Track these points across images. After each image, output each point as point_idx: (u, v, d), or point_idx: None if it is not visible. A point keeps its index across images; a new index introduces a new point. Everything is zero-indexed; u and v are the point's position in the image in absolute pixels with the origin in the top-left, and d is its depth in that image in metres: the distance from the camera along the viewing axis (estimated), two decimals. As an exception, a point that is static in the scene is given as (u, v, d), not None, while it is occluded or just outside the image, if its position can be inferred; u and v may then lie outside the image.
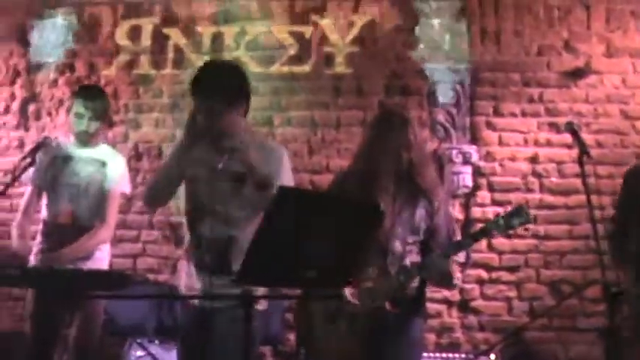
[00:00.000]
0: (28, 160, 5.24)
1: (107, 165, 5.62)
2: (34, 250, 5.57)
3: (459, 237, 4.65)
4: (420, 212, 4.52)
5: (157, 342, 6.47)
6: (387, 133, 4.52)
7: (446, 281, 4.55)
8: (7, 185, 5.24)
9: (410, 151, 4.49)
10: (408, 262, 4.45)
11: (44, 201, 5.66)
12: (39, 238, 5.60)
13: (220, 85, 4.30)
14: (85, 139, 5.61)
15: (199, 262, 4.40)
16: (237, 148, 4.30)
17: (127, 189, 5.82)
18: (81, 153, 5.61)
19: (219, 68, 4.49)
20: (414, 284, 4.50)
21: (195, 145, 4.34)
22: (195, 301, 4.44)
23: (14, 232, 5.66)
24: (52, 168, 5.58)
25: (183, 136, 4.36)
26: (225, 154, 4.36)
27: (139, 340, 6.41)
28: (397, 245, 4.45)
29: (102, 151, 5.72)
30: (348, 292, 4.39)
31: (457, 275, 4.51)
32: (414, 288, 4.51)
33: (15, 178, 5.40)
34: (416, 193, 4.52)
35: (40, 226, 5.65)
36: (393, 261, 4.44)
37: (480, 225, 6.31)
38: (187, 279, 4.47)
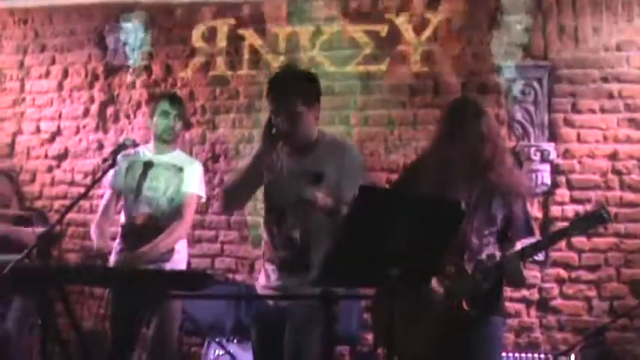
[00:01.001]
0: (109, 162, 5.31)
1: (184, 170, 5.70)
2: (114, 251, 5.65)
3: (536, 235, 4.57)
4: (497, 202, 4.40)
5: (235, 341, 6.52)
6: (462, 123, 4.41)
7: (516, 281, 4.49)
8: (89, 187, 5.32)
9: (486, 142, 4.39)
10: (484, 255, 4.38)
11: (122, 204, 5.74)
12: (118, 240, 5.69)
13: (300, 89, 4.36)
14: (169, 139, 5.71)
15: (278, 261, 4.42)
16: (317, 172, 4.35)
17: (203, 193, 5.88)
18: (159, 158, 5.71)
19: (296, 72, 4.55)
20: (491, 282, 4.45)
21: (273, 150, 4.39)
22: (269, 302, 4.46)
23: (94, 232, 5.75)
24: (131, 172, 5.67)
25: (262, 142, 4.40)
26: (301, 155, 4.40)
27: (217, 340, 6.47)
28: (474, 239, 4.39)
29: (179, 156, 5.83)
30: (434, 283, 4.35)
31: (530, 274, 4.46)
32: (492, 285, 4.46)
33: (96, 180, 5.49)
34: (492, 183, 4.43)
35: (119, 229, 5.73)
36: (470, 257, 4.38)
37: (558, 225, 6.30)
38: (265, 278, 4.49)
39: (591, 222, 4.30)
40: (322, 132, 4.53)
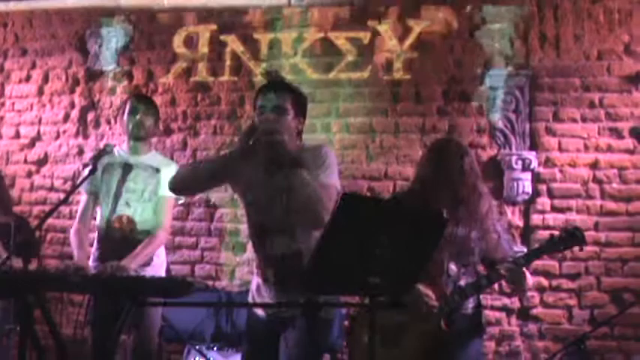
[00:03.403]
0: (90, 167, 5.27)
1: (161, 171, 5.66)
2: (92, 257, 5.61)
3: (515, 248, 4.66)
4: (476, 235, 4.52)
5: (215, 348, 6.49)
6: (445, 163, 4.56)
7: (520, 286, 4.58)
8: (69, 193, 5.29)
9: (466, 181, 4.52)
10: (463, 283, 4.46)
11: (99, 207, 5.70)
12: (96, 244, 5.65)
13: (292, 92, 4.36)
14: (139, 134, 5.66)
15: (269, 280, 4.36)
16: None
17: None
18: (135, 160, 5.67)
19: (290, 83, 4.55)
20: (471, 303, 4.51)
21: (250, 154, 4.28)
22: (262, 314, 4.41)
23: (73, 240, 5.70)
24: (107, 175, 5.63)
25: (240, 142, 4.32)
26: (279, 171, 4.26)
27: (197, 347, 6.44)
28: (452, 267, 4.48)
29: (155, 158, 5.80)
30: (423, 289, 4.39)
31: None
32: (471, 307, 4.52)
33: (76, 186, 5.46)
34: (470, 218, 4.52)
35: (96, 233, 5.70)
36: (448, 282, 4.46)
37: (540, 233, 6.34)
38: (256, 294, 4.44)
39: (566, 242, 4.43)
40: (302, 144, 4.45)
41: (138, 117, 5.66)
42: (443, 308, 4.42)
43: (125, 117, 5.73)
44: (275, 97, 4.29)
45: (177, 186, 4.61)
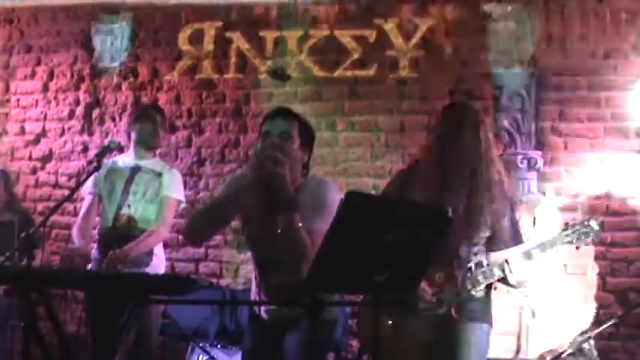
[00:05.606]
0: (94, 164, 5.28)
1: (163, 175, 5.73)
2: (93, 257, 5.64)
3: (524, 240, 4.56)
4: (485, 210, 4.42)
5: (219, 346, 6.48)
6: (461, 129, 4.43)
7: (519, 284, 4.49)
8: (73, 190, 5.29)
9: (480, 148, 4.41)
10: (473, 263, 4.38)
11: (102, 208, 5.73)
12: (96, 245, 5.70)
13: (299, 120, 4.33)
14: (147, 144, 5.74)
15: (270, 299, 4.34)
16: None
17: (183, 199, 5.88)
18: (138, 163, 5.73)
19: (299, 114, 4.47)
20: (480, 290, 4.44)
21: (252, 187, 4.18)
22: (264, 316, 4.39)
23: (75, 232, 5.75)
24: (113, 178, 5.68)
25: (247, 170, 4.20)
26: (283, 212, 4.14)
27: (201, 344, 6.43)
28: (464, 247, 4.39)
29: (157, 163, 5.90)
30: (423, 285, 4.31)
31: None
32: (481, 293, 4.45)
33: (81, 183, 5.47)
34: (481, 190, 4.42)
35: (98, 233, 5.77)
36: (459, 265, 4.38)
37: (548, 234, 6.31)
38: (257, 298, 4.42)
39: (582, 232, 4.33)
40: (306, 178, 4.38)
41: (148, 127, 5.72)
42: (454, 296, 4.35)
43: (131, 126, 5.79)
44: (282, 123, 4.25)
45: (193, 232, 4.43)
